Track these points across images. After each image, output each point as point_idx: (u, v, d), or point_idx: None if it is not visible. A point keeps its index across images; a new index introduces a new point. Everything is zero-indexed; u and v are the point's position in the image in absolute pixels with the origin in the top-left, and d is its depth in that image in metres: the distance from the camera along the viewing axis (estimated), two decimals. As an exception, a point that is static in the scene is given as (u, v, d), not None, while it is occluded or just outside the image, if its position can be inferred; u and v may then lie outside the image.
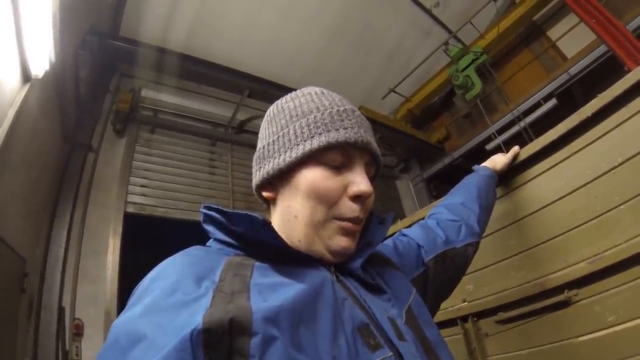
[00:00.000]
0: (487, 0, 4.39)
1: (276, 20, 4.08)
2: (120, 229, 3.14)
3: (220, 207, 0.65)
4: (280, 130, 0.70)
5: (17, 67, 1.92)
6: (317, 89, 0.75)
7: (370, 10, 4.44)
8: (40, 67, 2.06)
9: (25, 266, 2.19)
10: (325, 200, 0.65)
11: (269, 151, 0.70)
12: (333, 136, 0.65)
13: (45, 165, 2.60)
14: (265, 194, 0.72)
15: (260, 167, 0.71)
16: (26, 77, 2.00)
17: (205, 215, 0.68)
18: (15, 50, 1.87)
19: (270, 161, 0.69)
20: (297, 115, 0.69)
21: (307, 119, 0.67)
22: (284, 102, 0.74)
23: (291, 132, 0.68)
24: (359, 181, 0.66)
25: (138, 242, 3.31)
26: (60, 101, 2.65)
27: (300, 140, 0.66)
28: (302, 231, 0.65)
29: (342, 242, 0.65)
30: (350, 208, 0.65)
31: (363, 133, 0.67)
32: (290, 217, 0.67)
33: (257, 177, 0.72)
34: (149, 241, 3.70)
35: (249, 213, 0.61)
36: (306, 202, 0.65)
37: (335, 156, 0.66)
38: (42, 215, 2.64)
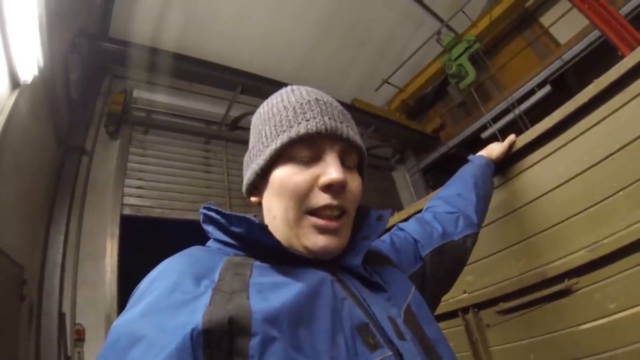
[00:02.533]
0: (479, -12, 4.37)
1: (267, 15, 4.04)
2: (117, 232, 3.12)
3: (219, 208, 0.65)
4: (257, 135, 0.71)
5: (4, 73, 1.88)
6: (291, 87, 0.74)
7: (361, 1, 4.40)
8: (28, 72, 2.03)
9: (23, 273, 2.17)
10: (295, 196, 0.63)
11: (250, 158, 0.72)
12: (295, 130, 0.64)
13: (39, 171, 2.58)
14: (252, 199, 0.73)
15: (245, 174, 0.73)
16: (15, 83, 1.97)
17: (205, 215, 0.68)
18: (2, 56, 1.83)
19: (251, 166, 0.70)
20: (268, 118, 0.69)
21: (275, 120, 0.67)
22: (262, 107, 0.74)
23: (263, 135, 0.68)
24: (329, 170, 0.63)
25: (135, 244, 3.30)
26: (51, 105, 2.61)
27: (270, 142, 0.66)
28: (281, 232, 0.65)
29: (319, 242, 0.63)
30: (320, 197, 0.63)
31: (327, 120, 0.65)
32: (270, 218, 0.68)
33: (244, 184, 0.74)
34: (146, 243, 3.69)
35: (247, 216, 0.61)
36: (279, 201, 0.65)
37: (301, 150, 0.64)
38: (38, 222, 2.62)
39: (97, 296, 2.77)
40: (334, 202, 0.63)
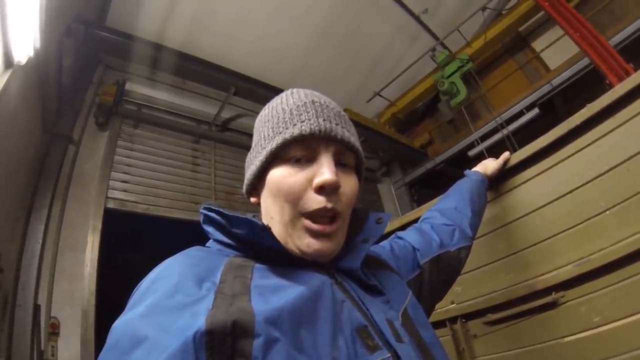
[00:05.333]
0: (475, 10, 4.49)
1: (266, 18, 4.05)
2: (99, 225, 3.03)
3: (220, 209, 0.65)
4: (257, 137, 0.72)
5: (-1, 52, 1.84)
6: (291, 90, 0.75)
7: (360, 13, 4.47)
8: (23, 52, 1.97)
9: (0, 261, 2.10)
10: (290, 197, 0.64)
11: (251, 159, 0.74)
12: (290, 132, 0.65)
13: (24, 157, 2.50)
14: (252, 199, 0.75)
15: (246, 174, 0.75)
16: (8, 62, 1.91)
17: (205, 216, 0.68)
18: (-2, 35, 1.79)
19: (250, 168, 0.72)
20: (268, 120, 0.71)
21: (273, 121, 0.69)
22: (263, 109, 0.76)
23: (262, 136, 0.70)
24: (322, 171, 0.63)
25: (118, 239, 3.22)
26: (42, 90, 2.54)
27: (267, 143, 0.67)
28: (277, 232, 0.65)
29: (313, 245, 0.63)
30: (314, 200, 0.63)
31: (322, 122, 0.65)
32: (268, 219, 0.69)
33: (244, 184, 0.75)
34: (129, 238, 3.61)
35: (249, 218, 0.62)
36: (275, 202, 0.66)
37: (295, 152, 0.65)
38: (18, 209, 2.53)
39: (74, 290, 2.68)
40: (328, 205, 0.63)
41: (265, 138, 0.68)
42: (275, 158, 0.66)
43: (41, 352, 2.27)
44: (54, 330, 2.43)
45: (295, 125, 0.65)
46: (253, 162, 0.71)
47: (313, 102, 0.69)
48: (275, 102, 0.74)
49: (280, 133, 0.65)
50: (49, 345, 2.35)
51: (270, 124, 0.68)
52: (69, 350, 2.44)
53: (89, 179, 3.16)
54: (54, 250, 2.70)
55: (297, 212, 0.64)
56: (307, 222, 0.63)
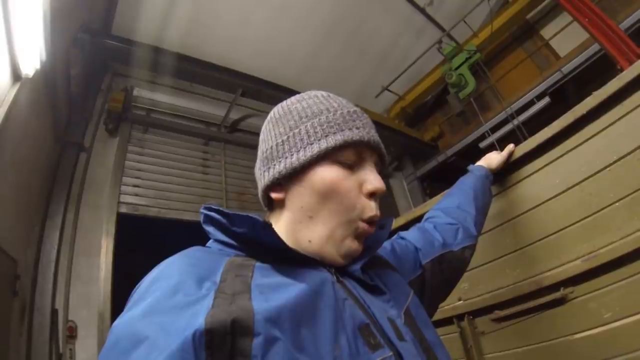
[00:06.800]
0: (481, -1, 4.41)
1: (270, 18, 4.06)
2: (113, 230, 3.10)
3: (220, 208, 0.65)
4: (290, 131, 0.69)
5: (6, 65, 1.88)
6: (323, 92, 0.76)
7: (364, 8, 4.44)
8: (30, 65, 2.02)
9: (17, 268, 2.16)
10: (347, 201, 0.65)
11: (278, 151, 0.69)
12: (348, 135, 0.66)
13: (37, 166, 2.57)
14: (274, 195, 0.70)
15: (269, 168, 0.70)
16: (16, 76, 1.96)
17: (206, 215, 0.67)
18: (5, 49, 1.83)
19: (281, 161, 0.68)
20: (307, 116, 0.69)
21: (319, 119, 0.68)
22: (290, 104, 0.74)
23: (303, 131, 0.68)
24: (373, 179, 0.67)
25: (131, 242, 3.28)
26: (51, 100, 2.61)
27: (315, 140, 0.66)
28: (317, 232, 0.65)
29: (353, 245, 0.66)
30: (369, 206, 0.67)
31: (374, 133, 0.70)
32: (303, 217, 0.67)
33: (265, 178, 0.70)
34: (142, 242, 3.68)
35: (250, 214, 0.61)
36: (324, 202, 0.65)
37: (349, 155, 0.67)
38: (33, 217, 2.61)
39: (90, 293, 2.75)
40: (378, 213, 0.68)
41: (311, 134, 0.67)
42: (325, 157, 0.66)
43: (59, 355, 2.33)
44: (72, 334, 2.50)
45: (351, 129, 0.67)
46: (286, 155, 0.68)
47: (362, 112, 0.73)
48: (311, 100, 0.73)
49: (334, 133, 0.66)
50: (67, 348, 2.42)
51: (317, 121, 0.68)
52: (86, 353, 2.51)
53: (101, 185, 3.23)
54: (70, 256, 2.78)
55: (355, 216, 0.66)
56: (363, 225, 0.67)
